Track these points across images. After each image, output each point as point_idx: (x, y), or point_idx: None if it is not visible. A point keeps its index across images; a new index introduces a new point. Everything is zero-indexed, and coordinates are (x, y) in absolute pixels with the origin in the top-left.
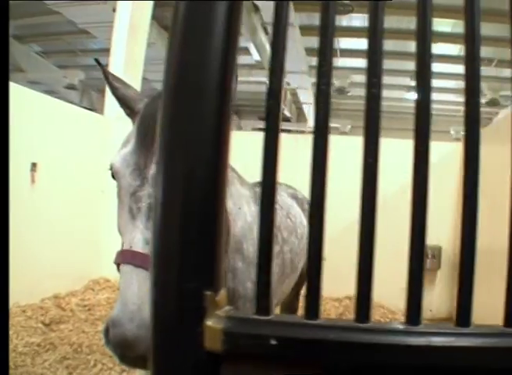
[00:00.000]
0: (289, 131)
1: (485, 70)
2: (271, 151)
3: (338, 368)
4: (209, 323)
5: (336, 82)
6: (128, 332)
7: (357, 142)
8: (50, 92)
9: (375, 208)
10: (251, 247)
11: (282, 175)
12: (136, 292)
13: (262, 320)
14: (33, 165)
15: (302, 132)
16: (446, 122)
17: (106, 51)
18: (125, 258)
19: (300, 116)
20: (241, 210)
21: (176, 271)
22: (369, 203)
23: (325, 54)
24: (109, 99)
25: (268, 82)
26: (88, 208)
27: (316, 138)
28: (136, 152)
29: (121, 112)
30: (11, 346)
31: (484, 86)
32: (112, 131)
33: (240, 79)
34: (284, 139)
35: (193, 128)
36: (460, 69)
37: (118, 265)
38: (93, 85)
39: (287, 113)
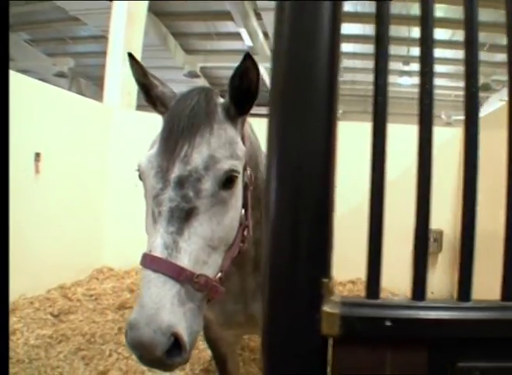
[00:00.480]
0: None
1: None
2: (380, 145)
3: (442, 343)
4: (326, 308)
5: None
6: (144, 335)
7: (348, 127)
8: (40, 80)
9: (475, 190)
10: None
11: None
12: (153, 297)
13: (375, 304)
14: (37, 155)
15: None
16: (437, 106)
17: (96, 38)
18: (145, 262)
19: None
20: None
21: (296, 262)
22: (471, 186)
23: (426, 53)
24: (108, 88)
25: (374, 80)
26: (90, 198)
27: (422, 126)
28: (160, 154)
29: (121, 101)
30: (22, 339)
31: None
32: (114, 120)
33: (230, 65)
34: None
35: (305, 125)
36: (450, 53)
37: None
38: (82, 72)
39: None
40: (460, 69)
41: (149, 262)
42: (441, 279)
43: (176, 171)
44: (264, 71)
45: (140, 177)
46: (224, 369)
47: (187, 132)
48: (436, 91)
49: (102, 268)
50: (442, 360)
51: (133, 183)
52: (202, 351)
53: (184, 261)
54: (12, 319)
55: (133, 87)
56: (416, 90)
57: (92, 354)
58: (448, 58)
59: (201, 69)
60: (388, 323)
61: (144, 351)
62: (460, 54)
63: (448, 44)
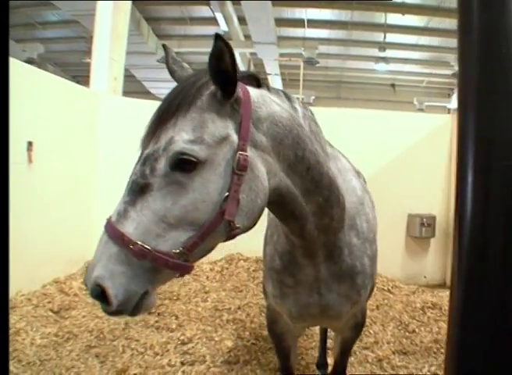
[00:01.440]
0: None
1: (451, 42)
2: None
3: None
4: None
5: (304, 53)
6: (86, 280)
7: (320, 112)
8: None
9: None
10: (364, 223)
11: None
12: (96, 253)
13: None
14: (29, 144)
15: None
16: (410, 92)
17: (66, 23)
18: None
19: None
20: (351, 185)
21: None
22: None
23: None
24: (95, 73)
25: None
26: (80, 187)
27: None
28: (144, 136)
29: (107, 87)
30: (28, 339)
31: (451, 58)
32: (102, 106)
33: (205, 50)
34: None
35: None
36: (425, 40)
37: None
38: (51, 58)
39: None
40: (433, 55)
41: (105, 224)
42: (433, 263)
43: (147, 149)
44: (239, 57)
45: None
46: (287, 362)
47: (165, 115)
48: (409, 78)
49: None
50: None
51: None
52: (220, 343)
53: (128, 228)
54: (13, 318)
55: (119, 73)
56: (392, 76)
57: (105, 351)
58: (421, 45)
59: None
60: None
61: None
62: (434, 40)
63: (422, 30)
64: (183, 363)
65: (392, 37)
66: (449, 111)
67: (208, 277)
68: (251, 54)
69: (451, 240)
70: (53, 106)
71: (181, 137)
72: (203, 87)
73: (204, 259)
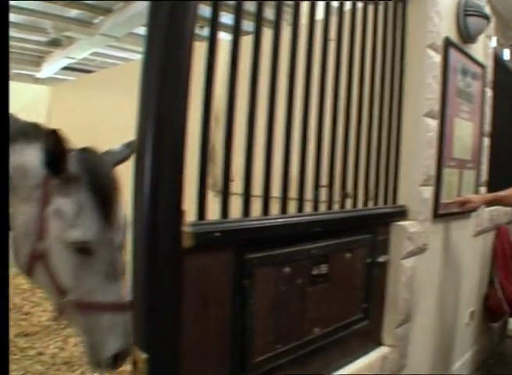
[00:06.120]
0: None
1: (50, 8)
2: None
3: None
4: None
5: None
6: None
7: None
8: None
9: None
10: None
11: None
12: None
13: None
14: None
15: None
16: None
17: None
18: None
19: None
20: None
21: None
22: None
23: None
24: None
25: None
26: None
27: None
28: None
29: None
30: None
31: (48, 24)
32: None
33: None
34: None
35: None
36: (24, 3)
37: None
38: None
39: None
40: (28, 19)
41: None
42: None
43: None
44: None
45: None
46: None
47: None
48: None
49: None
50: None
51: None
52: None
53: None
54: None
55: None
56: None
57: None
58: (19, 7)
59: None
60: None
61: None
62: (34, 4)
63: None
64: None
65: None
66: (37, 80)
67: None
68: None
69: None
70: None
71: None
72: None
73: None
